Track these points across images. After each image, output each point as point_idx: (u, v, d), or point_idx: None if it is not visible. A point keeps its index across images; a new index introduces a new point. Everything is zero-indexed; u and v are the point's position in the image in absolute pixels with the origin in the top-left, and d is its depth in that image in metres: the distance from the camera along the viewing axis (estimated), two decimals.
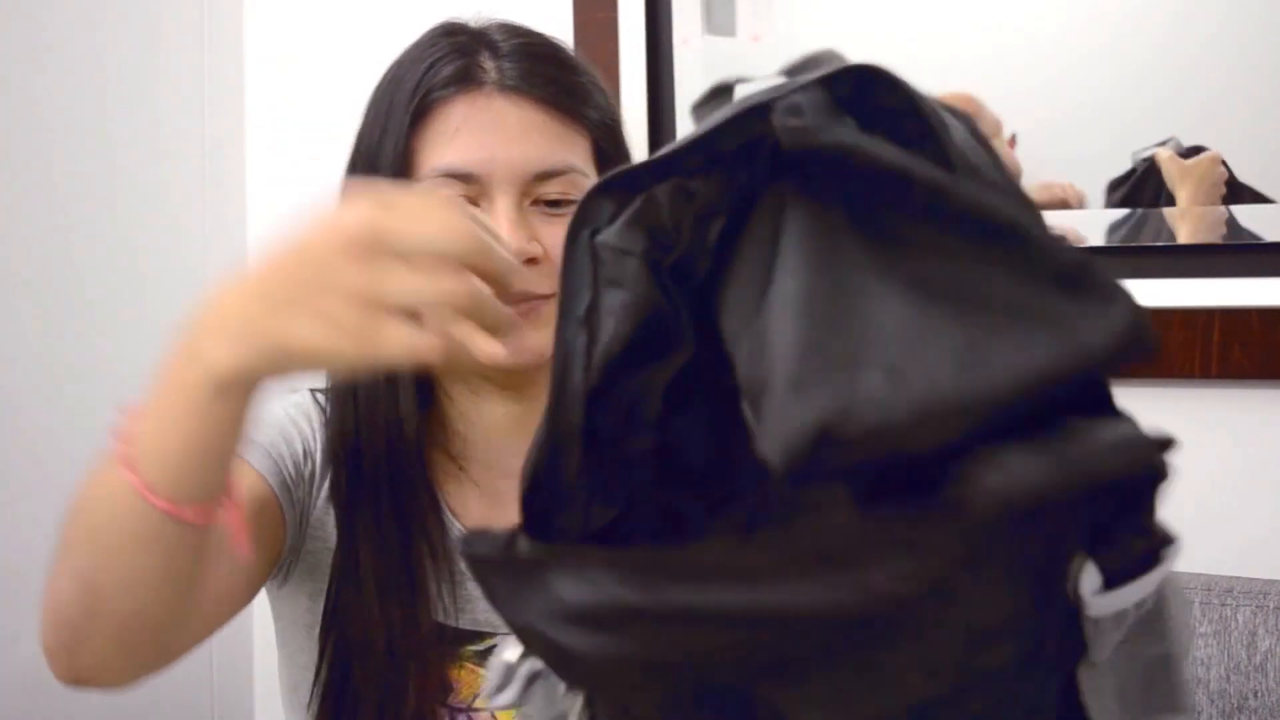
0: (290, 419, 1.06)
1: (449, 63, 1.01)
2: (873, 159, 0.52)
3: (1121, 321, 0.48)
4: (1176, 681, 0.56)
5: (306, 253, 0.71)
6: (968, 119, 0.58)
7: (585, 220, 0.56)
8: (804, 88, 0.53)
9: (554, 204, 1.01)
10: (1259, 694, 1.15)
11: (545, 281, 1.01)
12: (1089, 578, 0.51)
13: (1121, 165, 1.41)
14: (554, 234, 1.01)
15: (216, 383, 0.74)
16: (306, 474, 1.05)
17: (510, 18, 1.07)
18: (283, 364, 0.73)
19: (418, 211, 0.71)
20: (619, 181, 0.56)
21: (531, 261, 0.99)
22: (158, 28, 1.82)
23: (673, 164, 0.55)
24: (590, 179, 1.03)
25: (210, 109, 1.89)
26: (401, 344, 0.69)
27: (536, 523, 0.56)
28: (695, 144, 0.54)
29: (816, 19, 1.55)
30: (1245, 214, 1.35)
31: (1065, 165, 1.44)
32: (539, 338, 1.01)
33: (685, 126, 1.61)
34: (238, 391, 0.75)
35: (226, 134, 1.92)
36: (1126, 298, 0.48)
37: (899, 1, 1.50)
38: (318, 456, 1.06)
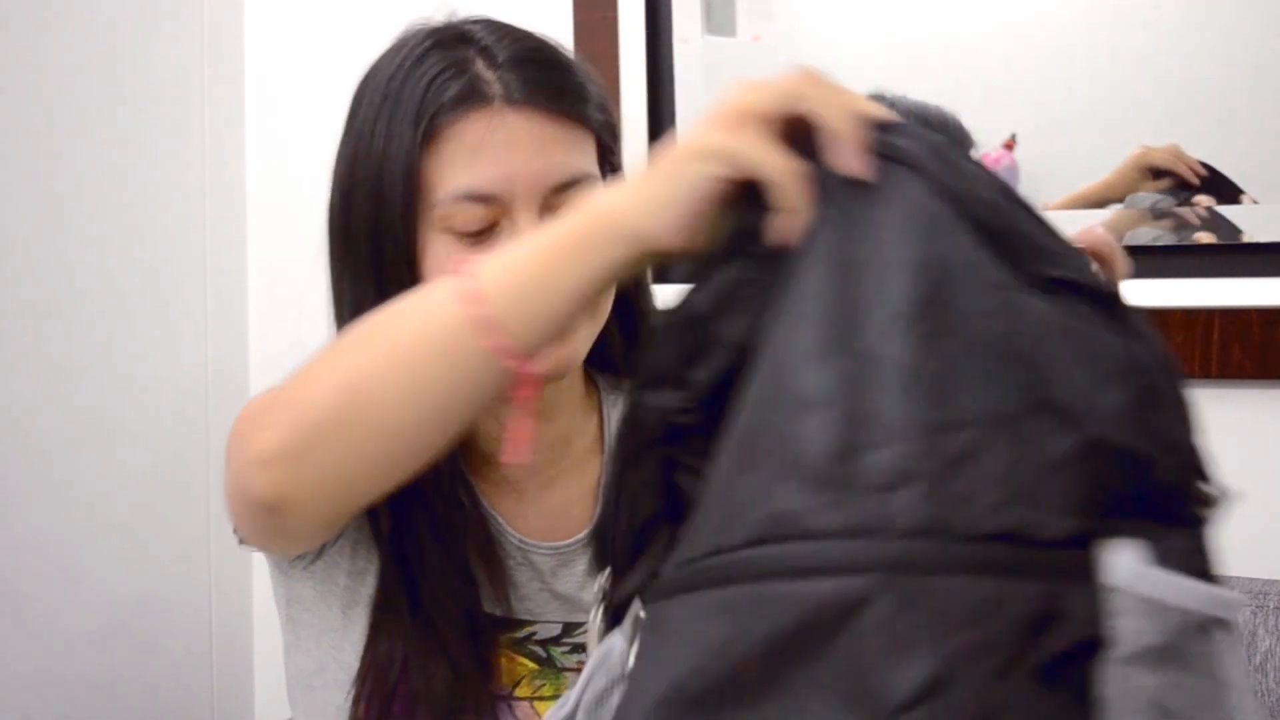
0: None
1: (449, 78, 0.99)
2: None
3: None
4: None
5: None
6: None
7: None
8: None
9: None
10: (1259, 694, 1.15)
11: None
12: (1129, 551, 0.56)
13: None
14: None
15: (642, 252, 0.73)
16: None
17: (487, 12, 1.05)
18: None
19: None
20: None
21: None
22: (158, 28, 1.82)
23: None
24: (598, 180, 1.03)
25: (210, 108, 1.89)
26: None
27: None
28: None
29: (816, 19, 1.55)
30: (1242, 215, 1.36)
31: (1065, 165, 1.44)
32: (565, 348, 1.00)
33: (685, 126, 1.61)
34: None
35: (226, 134, 1.92)
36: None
37: (899, 1, 1.50)
38: None
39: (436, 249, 0.98)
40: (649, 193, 0.72)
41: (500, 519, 1.08)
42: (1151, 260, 1.40)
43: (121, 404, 1.76)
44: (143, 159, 1.80)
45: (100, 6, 1.74)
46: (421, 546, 1.02)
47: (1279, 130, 1.34)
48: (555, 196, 0.99)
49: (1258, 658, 1.16)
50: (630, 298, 1.10)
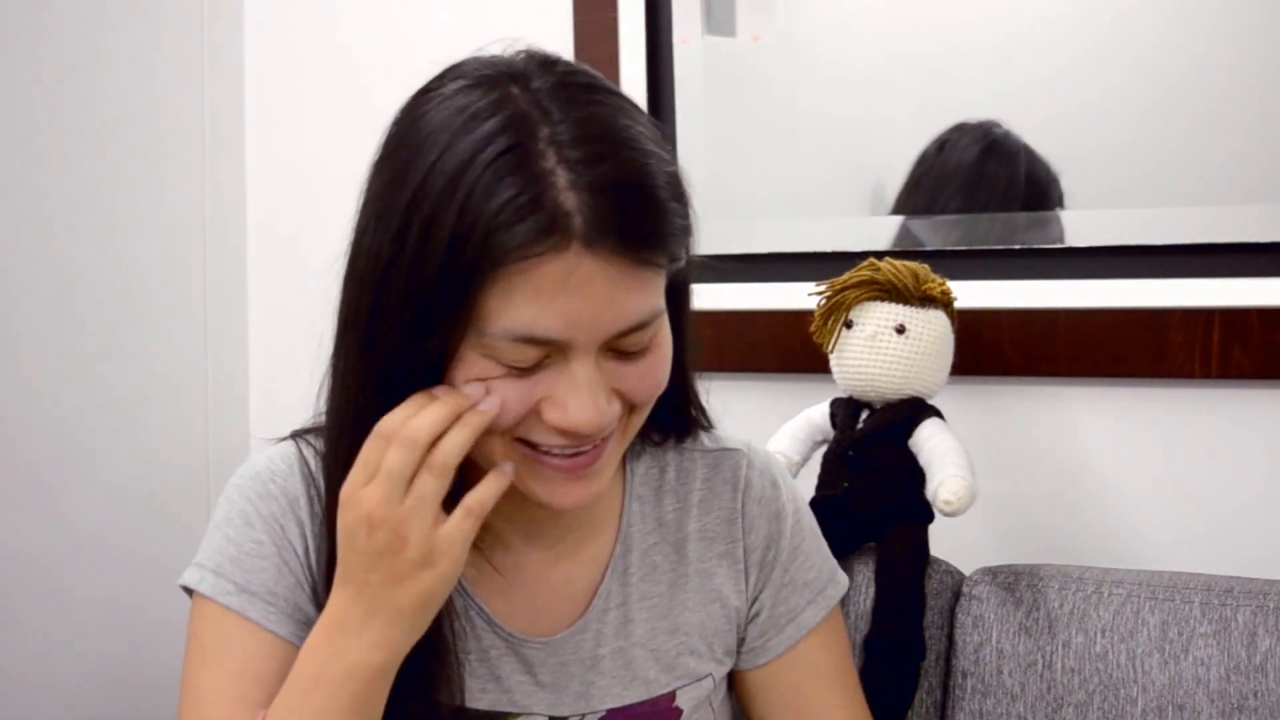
0: (274, 518, 1.01)
1: (525, 209, 0.85)
2: None
3: None
4: None
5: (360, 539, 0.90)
6: None
7: None
8: None
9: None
10: (1259, 694, 1.15)
11: (615, 422, 0.94)
12: None
13: (1121, 164, 1.41)
14: (631, 374, 0.93)
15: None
16: (309, 572, 1.00)
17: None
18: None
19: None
20: None
21: None
22: (158, 27, 1.82)
23: None
24: (663, 313, 0.94)
25: (210, 106, 1.89)
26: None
27: None
28: None
29: (816, 19, 1.55)
30: (1241, 215, 1.36)
31: (1065, 164, 1.44)
32: (593, 486, 0.95)
33: (685, 126, 1.61)
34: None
35: (226, 132, 1.92)
36: None
37: (899, 2, 1.50)
38: (312, 526, 1.01)
39: (474, 368, 0.90)
40: (390, 636, 0.90)
41: (487, 610, 1.03)
42: (1152, 260, 1.40)
43: (120, 420, 1.77)
44: (142, 156, 1.80)
45: (101, 5, 1.74)
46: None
47: (1277, 130, 1.34)
48: (619, 339, 0.91)
49: (1258, 658, 1.16)
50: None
